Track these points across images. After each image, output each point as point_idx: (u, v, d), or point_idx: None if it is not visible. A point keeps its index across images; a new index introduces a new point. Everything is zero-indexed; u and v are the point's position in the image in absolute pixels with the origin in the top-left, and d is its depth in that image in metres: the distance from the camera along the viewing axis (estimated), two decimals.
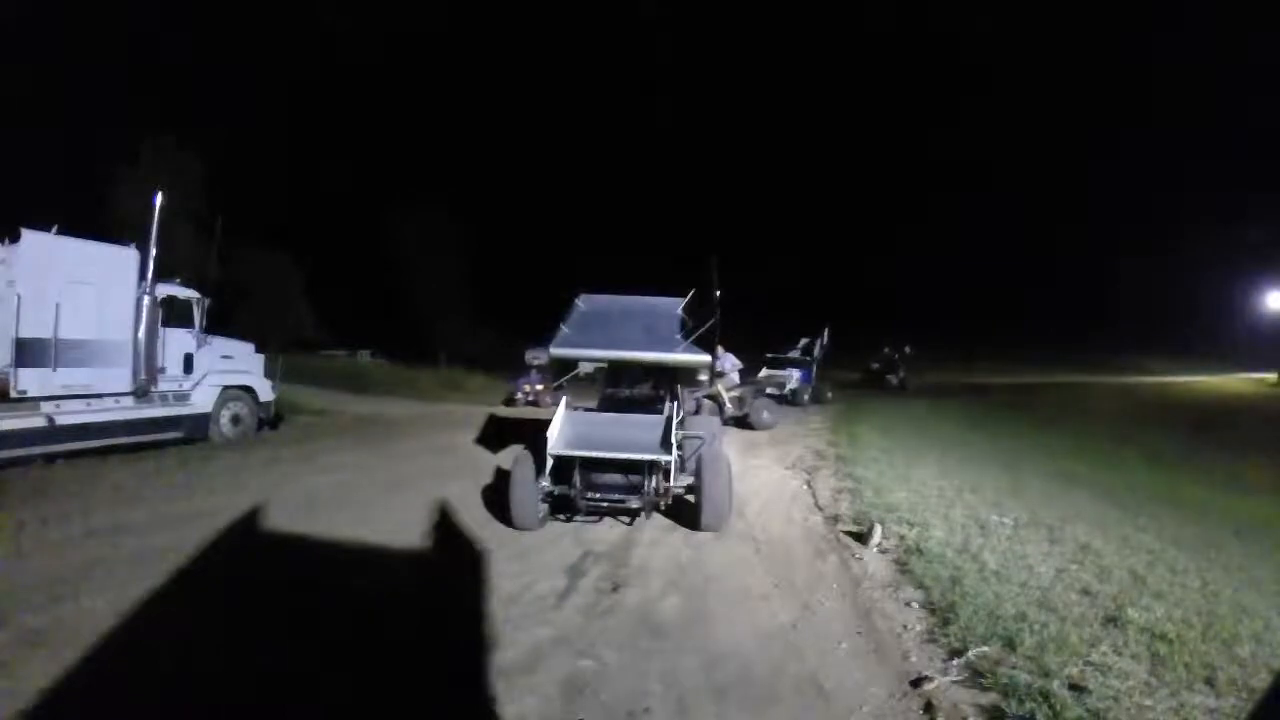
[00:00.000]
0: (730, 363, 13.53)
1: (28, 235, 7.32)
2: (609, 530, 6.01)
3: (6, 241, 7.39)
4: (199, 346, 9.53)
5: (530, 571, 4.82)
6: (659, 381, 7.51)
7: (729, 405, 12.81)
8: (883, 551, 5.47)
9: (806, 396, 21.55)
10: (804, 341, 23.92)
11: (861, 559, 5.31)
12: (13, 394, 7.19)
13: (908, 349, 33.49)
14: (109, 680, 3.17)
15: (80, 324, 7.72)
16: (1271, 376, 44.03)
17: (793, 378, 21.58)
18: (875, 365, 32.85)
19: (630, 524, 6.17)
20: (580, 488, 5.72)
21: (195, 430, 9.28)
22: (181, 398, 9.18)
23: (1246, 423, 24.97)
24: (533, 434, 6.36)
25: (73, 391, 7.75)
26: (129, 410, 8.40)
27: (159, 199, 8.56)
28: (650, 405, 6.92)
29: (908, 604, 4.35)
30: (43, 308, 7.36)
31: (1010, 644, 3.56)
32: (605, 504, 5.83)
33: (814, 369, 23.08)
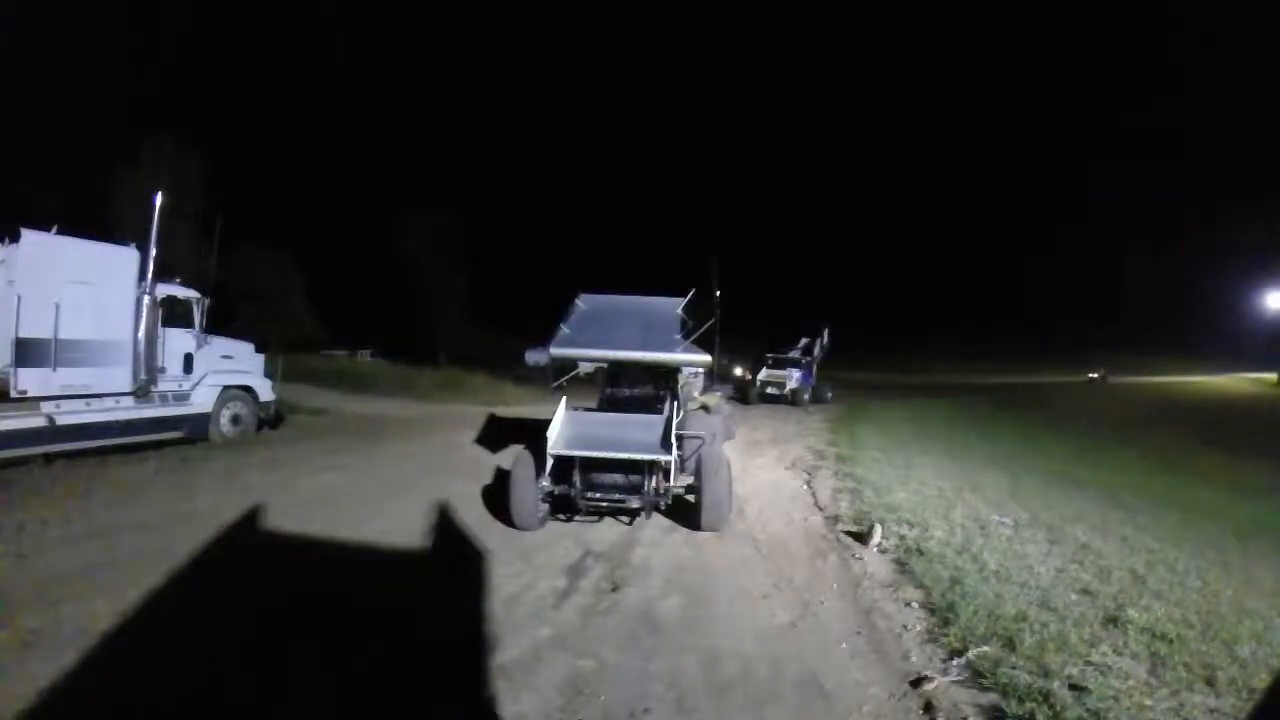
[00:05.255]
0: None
1: (28, 235, 7.31)
2: (609, 530, 6.01)
3: (6, 241, 7.38)
4: (199, 346, 9.52)
5: (530, 571, 4.82)
6: (659, 381, 7.50)
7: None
8: (883, 551, 5.47)
9: (806, 396, 21.59)
10: (804, 341, 23.95)
11: (861, 559, 5.30)
12: (13, 394, 7.18)
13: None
14: (109, 680, 3.16)
15: (80, 324, 7.71)
16: (1272, 376, 44.07)
17: (793, 378, 21.61)
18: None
19: (630, 524, 6.17)
20: (580, 487, 5.71)
21: (195, 430, 9.27)
22: (181, 397, 9.18)
23: (1247, 423, 24.97)
24: (533, 434, 6.35)
25: (73, 391, 7.74)
26: (129, 410, 8.39)
27: (159, 199, 8.56)
28: (650, 405, 6.92)
29: (908, 604, 4.34)
30: (43, 308, 7.35)
31: (1010, 644, 3.56)
32: (605, 504, 5.83)
33: (814, 369, 23.10)
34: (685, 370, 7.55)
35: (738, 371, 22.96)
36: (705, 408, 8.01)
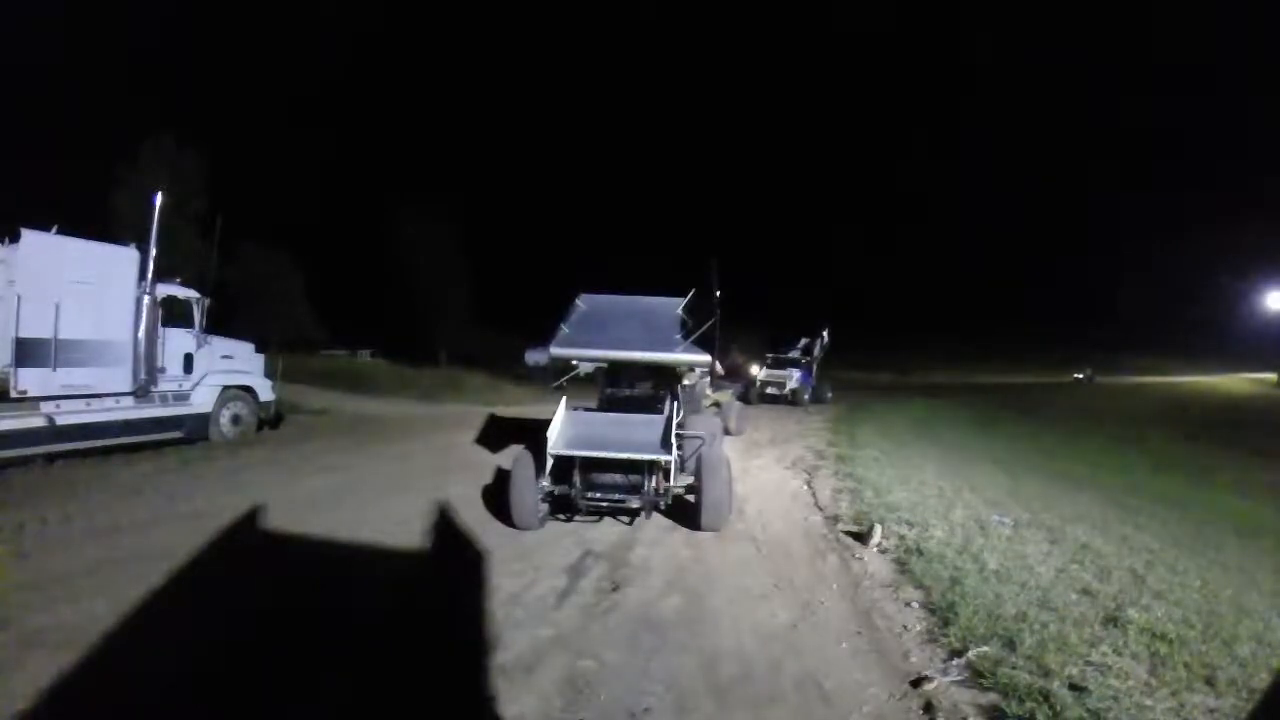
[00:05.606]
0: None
1: (28, 235, 7.31)
2: (609, 530, 6.01)
3: (6, 241, 7.38)
4: (199, 346, 9.52)
5: (530, 571, 4.81)
6: (659, 381, 7.50)
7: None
8: (883, 551, 5.47)
9: (806, 396, 21.60)
10: (804, 341, 23.96)
11: (861, 559, 5.31)
12: (13, 394, 7.18)
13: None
14: (109, 680, 3.16)
15: (80, 324, 7.71)
16: (1271, 377, 44.11)
17: (793, 377, 21.62)
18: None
19: (630, 524, 6.17)
20: (580, 487, 5.71)
21: (195, 430, 9.28)
22: (181, 398, 9.18)
23: (1247, 424, 24.98)
24: (533, 434, 6.35)
25: (73, 391, 7.74)
26: (129, 410, 8.40)
27: (159, 199, 8.56)
28: (650, 405, 6.91)
29: (908, 604, 4.34)
30: (43, 308, 7.35)
31: (1010, 644, 3.56)
32: (605, 504, 5.82)
33: (814, 369, 23.11)
34: (697, 370, 7.55)
35: (754, 370, 22.95)
36: (717, 404, 8.01)
